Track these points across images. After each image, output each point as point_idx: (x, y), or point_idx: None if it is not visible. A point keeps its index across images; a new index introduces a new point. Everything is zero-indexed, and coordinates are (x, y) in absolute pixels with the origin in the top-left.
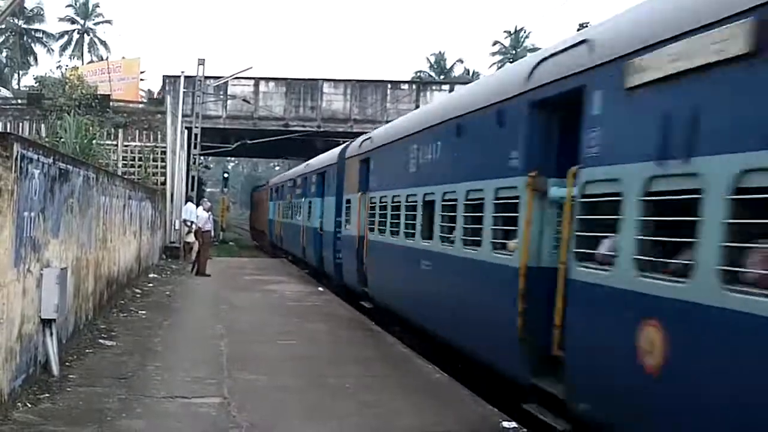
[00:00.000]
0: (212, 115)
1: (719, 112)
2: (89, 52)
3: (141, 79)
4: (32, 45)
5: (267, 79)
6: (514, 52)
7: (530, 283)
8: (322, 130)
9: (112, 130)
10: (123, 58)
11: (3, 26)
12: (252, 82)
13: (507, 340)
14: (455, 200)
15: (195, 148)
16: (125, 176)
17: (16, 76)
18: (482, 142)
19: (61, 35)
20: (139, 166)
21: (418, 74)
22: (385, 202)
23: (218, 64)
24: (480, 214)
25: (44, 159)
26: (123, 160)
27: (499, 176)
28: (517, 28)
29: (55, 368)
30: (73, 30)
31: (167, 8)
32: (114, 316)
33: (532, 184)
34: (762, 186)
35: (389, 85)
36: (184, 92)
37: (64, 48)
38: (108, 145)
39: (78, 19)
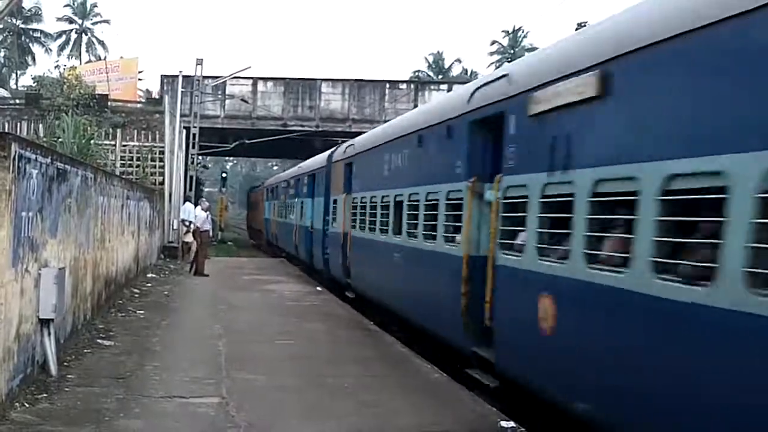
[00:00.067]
0: (210, 114)
1: (582, 136)
2: (87, 51)
3: (139, 79)
4: (30, 45)
5: (265, 79)
6: (512, 51)
7: (471, 269)
8: (320, 129)
9: (110, 129)
10: (121, 57)
11: (1, 26)
12: (250, 81)
13: (454, 316)
14: (418, 201)
15: (193, 147)
16: (123, 176)
17: (14, 75)
18: (437, 152)
19: (59, 35)
20: (137, 166)
21: (417, 74)
22: (365, 202)
23: (216, 63)
24: (436, 213)
25: (42, 159)
26: (121, 159)
27: (449, 181)
28: (515, 28)
29: (53, 368)
30: (71, 30)
31: (165, 8)
32: (112, 316)
33: (472, 188)
34: (613, 191)
35: (387, 85)
36: (182, 92)
37: (62, 48)
38: (106, 144)
39: (76, 18)
